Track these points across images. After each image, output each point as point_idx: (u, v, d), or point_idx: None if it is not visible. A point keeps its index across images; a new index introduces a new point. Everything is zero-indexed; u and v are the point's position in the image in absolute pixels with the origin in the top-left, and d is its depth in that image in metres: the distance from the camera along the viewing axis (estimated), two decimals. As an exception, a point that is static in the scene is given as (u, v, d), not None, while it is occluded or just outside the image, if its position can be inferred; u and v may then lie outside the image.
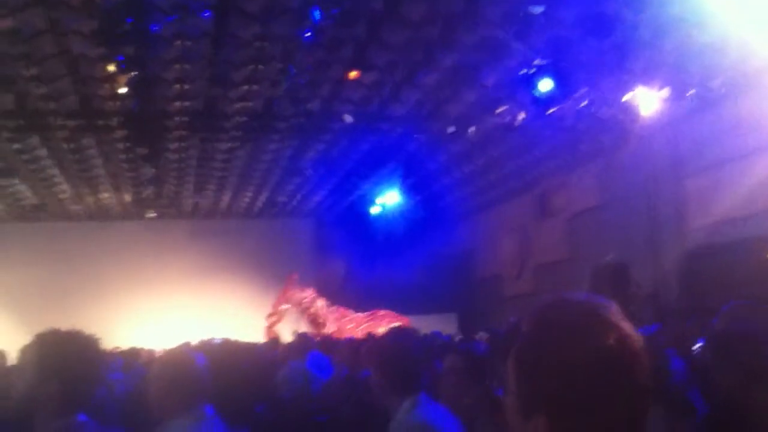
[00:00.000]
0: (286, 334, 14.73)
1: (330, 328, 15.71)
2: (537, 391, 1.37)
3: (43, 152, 13.76)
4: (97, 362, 2.76)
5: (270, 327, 15.81)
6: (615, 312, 1.39)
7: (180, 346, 3.55)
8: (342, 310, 16.68)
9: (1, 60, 9.75)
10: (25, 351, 2.70)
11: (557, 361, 1.34)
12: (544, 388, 1.35)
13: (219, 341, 9.37)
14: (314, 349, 7.83)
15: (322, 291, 17.12)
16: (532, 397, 1.37)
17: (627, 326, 1.38)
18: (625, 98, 10.81)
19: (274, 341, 12.29)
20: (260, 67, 10.57)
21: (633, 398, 1.35)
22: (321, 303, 16.36)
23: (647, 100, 10.62)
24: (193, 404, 3.21)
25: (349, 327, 16.14)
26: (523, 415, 1.39)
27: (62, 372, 2.56)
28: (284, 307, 16.17)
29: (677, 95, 10.69)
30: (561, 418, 1.34)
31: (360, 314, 16.74)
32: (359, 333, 15.23)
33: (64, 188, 16.62)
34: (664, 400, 3.72)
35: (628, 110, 11.13)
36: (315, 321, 15.98)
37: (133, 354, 10.96)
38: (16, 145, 13.15)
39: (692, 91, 10.73)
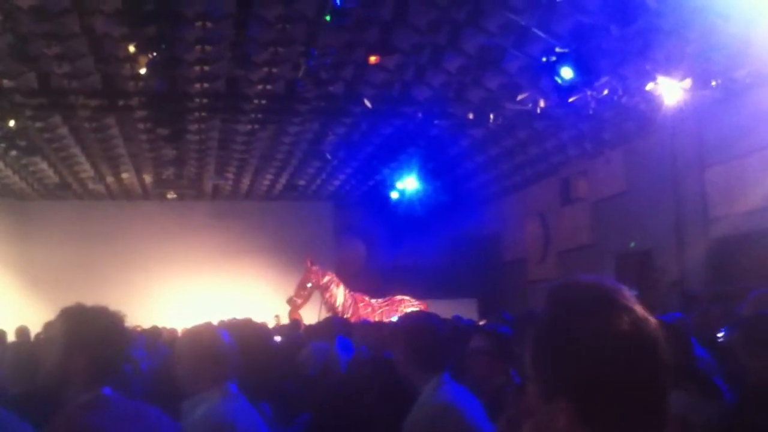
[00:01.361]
0: (306, 317, 14.79)
1: (347, 313, 15.73)
2: (556, 375, 1.36)
3: (65, 131, 13.81)
4: (123, 338, 2.76)
5: (293, 310, 15.86)
6: (626, 294, 1.39)
7: (205, 323, 3.55)
8: (359, 295, 16.69)
9: (26, 38, 9.78)
10: (51, 326, 2.70)
11: (572, 344, 1.34)
12: (563, 372, 1.35)
13: (241, 320, 9.44)
14: (340, 333, 7.85)
15: (342, 274, 17.14)
16: (552, 380, 1.37)
17: (640, 309, 1.37)
18: (648, 87, 10.72)
19: (295, 323, 12.34)
20: (282, 49, 10.53)
21: (651, 379, 1.34)
22: (339, 288, 16.38)
23: (670, 90, 10.52)
24: (218, 380, 3.22)
25: (365, 312, 16.16)
26: (545, 398, 1.39)
27: (89, 346, 2.57)
28: (306, 290, 16.21)
29: (701, 85, 10.58)
30: (582, 400, 1.33)
31: (377, 300, 16.75)
32: (376, 318, 15.26)
33: (86, 167, 16.70)
34: (691, 385, 3.70)
35: (651, 99, 11.04)
36: (333, 305, 16.00)
37: (155, 333, 11.02)
38: (38, 124, 13.22)
39: (716, 82, 10.61)
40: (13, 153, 14.51)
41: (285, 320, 15.23)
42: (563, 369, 1.34)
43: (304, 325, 11.54)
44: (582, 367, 1.32)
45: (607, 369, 1.31)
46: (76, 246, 19.31)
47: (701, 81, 10.50)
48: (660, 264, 13.21)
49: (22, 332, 10.78)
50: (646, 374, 1.33)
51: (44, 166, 16.28)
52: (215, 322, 4.22)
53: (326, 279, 16.34)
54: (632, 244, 14.33)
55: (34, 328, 9.51)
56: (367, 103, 12.22)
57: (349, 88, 12.13)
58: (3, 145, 13.82)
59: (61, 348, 2.60)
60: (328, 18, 8.76)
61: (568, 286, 1.43)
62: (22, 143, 13.41)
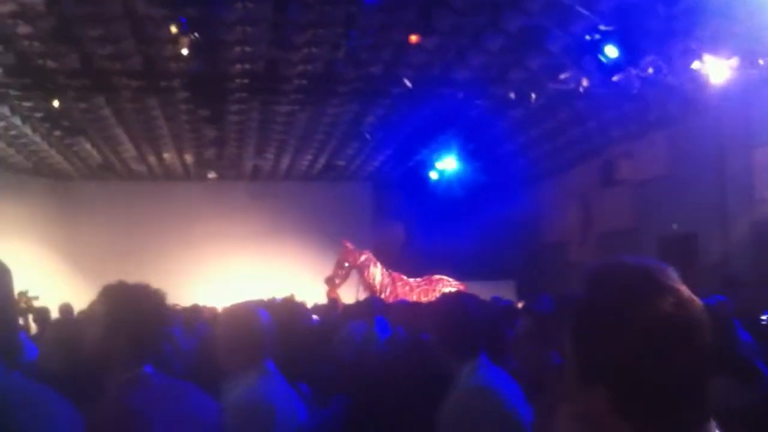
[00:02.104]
0: (345, 297, 14.84)
1: (384, 292, 15.73)
2: (595, 358, 1.34)
3: (107, 112, 13.98)
4: (164, 316, 2.79)
5: (332, 289, 15.91)
6: (672, 275, 1.36)
7: (243, 303, 3.58)
8: (396, 274, 16.68)
9: (69, 20, 9.89)
10: (94, 303, 2.73)
11: (614, 326, 1.31)
12: (602, 354, 1.32)
13: (280, 300, 9.50)
14: (379, 314, 7.86)
15: (380, 255, 17.16)
16: (590, 363, 1.35)
17: (685, 290, 1.34)
18: (693, 66, 10.50)
19: (333, 302, 12.39)
20: (322, 30, 10.52)
21: (694, 363, 1.30)
22: (377, 267, 16.38)
23: (716, 69, 10.30)
24: (256, 359, 3.24)
25: (404, 291, 16.15)
26: (582, 381, 1.36)
27: (131, 324, 2.59)
28: (344, 269, 16.24)
29: (747, 64, 10.34)
30: (620, 384, 1.31)
31: (415, 279, 16.72)
32: (413, 298, 15.24)
33: (128, 148, 16.91)
34: (733, 368, 3.64)
35: (697, 79, 10.83)
36: (371, 284, 16.02)
37: (196, 311, 11.15)
38: (82, 105, 13.40)
39: (763, 61, 10.37)
40: (57, 133, 14.73)
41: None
42: (603, 350, 1.32)
43: (343, 304, 11.58)
44: (623, 349, 1.29)
45: (649, 351, 1.28)
46: (118, 225, 19.61)
47: (748, 60, 10.26)
48: (703, 247, 13.00)
49: (65, 309, 10.98)
50: (689, 357, 1.30)
51: (87, 146, 16.52)
52: (254, 302, 4.24)
53: (363, 258, 16.34)
54: (675, 227, 14.12)
55: (77, 307, 9.68)
56: (408, 84, 12.16)
57: (388, 69, 12.09)
58: (47, 125, 14.05)
59: (102, 325, 2.63)
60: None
61: (610, 266, 1.40)
62: (66, 124, 13.60)
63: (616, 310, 1.32)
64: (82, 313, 7.47)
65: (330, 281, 16.19)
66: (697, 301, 1.34)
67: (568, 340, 1.40)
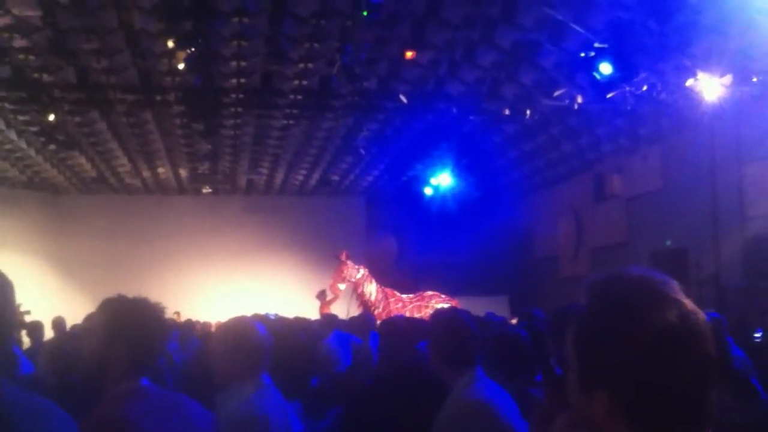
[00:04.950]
0: (336, 312, 14.79)
1: (378, 308, 15.68)
2: (598, 367, 1.35)
3: (102, 126, 14.00)
4: (163, 329, 2.80)
5: (325, 305, 15.83)
6: (676, 287, 1.38)
7: (242, 316, 3.59)
8: (389, 290, 16.62)
9: (65, 33, 9.92)
10: (93, 315, 2.74)
11: (618, 336, 1.32)
12: (605, 364, 1.34)
13: (273, 316, 9.49)
14: (373, 329, 7.86)
15: (373, 270, 17.12)
16: (594, 373, 1.36)
17: (689, 302, 1.36)
18: (687, 83, 10.58)
19: (330, 319, 12.31)
20: (317, 45, 10.57)
21: (696, 374, 1.32)
22: (372, 283, 16.32)
23: (710, 86, 10.38)
24: (253, 372, 3.25)
25: (396, 307, 16.09)
26: (584, 391, 1.38)
27: (129, 336, 2.60)
28: (341, 286, 16.16)
29: (740, 82, 10.43)
30: (623, 394, 1.32)
31: (407, 295, 16.67)
32: (406, 313, 15.19)
33: (123, 162, 16.91)
34: (728, 384, 3.66)
35: (690, 96, 10.90)
36: (365, 300, 15.95)
37: (189, 326, 11.13)
38: (77, 118, 13.41)
39: (756, 78, 10.45)
40: (52, 147, 14.72)
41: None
42: (607, 359, 1.33)
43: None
44: (627, 357, 1.31)
45: (653, 360, 1.30)
46: (111, 239, 19.57)
47: (741, 77, 10.35)
48: (694, 262, 13.05)
49: (57, 323, 10.95)
50: (692, 368, 1.32)
51: (82, 160, 16.51)
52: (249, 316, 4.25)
53: (360, 274, 16.28)
54: (668, 243, 14.17)
55: (70, 320, 9.65)
56: (402, 99, 12.21)
57: (382, 84, 12.14)
58: (42, 139, 14.04)
59: (101, 337, 2.64)
60: (365, 13, 8.77)
61: (614, 277, 1.42)
62: (61, 137, 13.59)
63: (622, 320, 1.33)
64: (77, 326, 7.46)
65: (322, 297, 16.11)
66: (701, 313, 1.36)
67: (572, 346, 1.42)
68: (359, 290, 16.01)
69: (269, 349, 3.33)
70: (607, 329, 1.35)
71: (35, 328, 10.26)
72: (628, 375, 1.31)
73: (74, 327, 8.29)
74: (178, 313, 15.16)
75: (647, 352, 1.30)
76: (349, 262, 16.17)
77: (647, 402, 1.31)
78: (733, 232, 12.56)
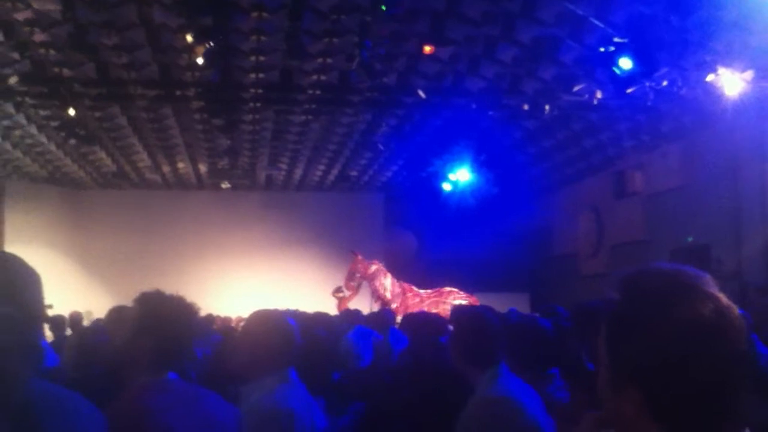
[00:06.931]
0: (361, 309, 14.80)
1: (395, 302, 15.68)
2: (630, 363, 1.32)
3: (123, 121, 14.05)
4: (195, 328, 2.82)
5: (342, 302, 15.85)
6: (710, 282, 1.35)
7: (273, 309, 3.58)
8: (407, 285, 16.61)
9: (85, 28, 9.95)
10: (119, 308, 2.76)
11: (652, 331, 1.30)
12: (638, 360, 1.31)
13: (292, 312, 9.49)
14: (393, 325, 7.86)
15: (392, 266, 17.12)
16: (625, 368, 1.33)
17: (723, 297, 1.33)
18: (708, 79, 10.48)
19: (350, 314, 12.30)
20: (336, 40, 10.55)
21: (732, 371, 1.30)
22: (387, 277, 16.32)
23: (731, 82, 10.28)
24: (281, 365, 3.24)
25: (414, 302, 16.08)
26: (616, 387, 1.35)
27: (158, 329, 2.62)
28: (355, 280, 16.18)
29: (762, 77, 10.31)
30: (655, 390, 1.29)
31: (425, 291, 16.65)
32: (424, 309, 15.17)
33: (143, 157, 16.99)
34: (752, 382, 3.60)
35: (711, 91, 10.80)
36: (381, 295, 15.96)
37: (209, 320, 11.16)
38: (97, 113, 13.46)
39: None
40: (72, 142, 14.81)
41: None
42: (639, 355, 1.31)
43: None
44: (661, 353, 1.28)
45: (688, 356, 1.27)
46: (131, 234, 19.69)
47: (763, 73, 10.24)
48: (716, 259, 12.93)
49: (74, 318, 11.05)
50: (727, 364, 1.29)
51: (102, 155, 16.59)
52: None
53: (373, 268, 16.25)
54: (690, 239, 14.06)
55: (94, 313, 9.71)
56: (421, 94, 12.18)
57: (401, 79, 12.11)
58: (62, 134, 14.12)
59: (133, 329, 2.67)
60: (384, 8, 8.75)
61: (647, 271, 1.39)
62: (81, 132, 13.66)
63: (656, 314, 1.30)
64: (100, 320, 7.51)
65: (338, 293, 16.13)
66: (735, 308, 1.33)
67: (604, 343, 1.39)
68: (374, 284, 16.03)
69: (297, 344, 3.32)
70: (640, 324, 1.32)
71: (58, 322, 10.36)
72: (662, 371, 1.28)
73: (98, 321, 8.34)
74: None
75: (682, 347, 1.27)
76: (359, 257, 16.19)
77: (681, 399, 1.28)
78: (756, 229, 12.45)
